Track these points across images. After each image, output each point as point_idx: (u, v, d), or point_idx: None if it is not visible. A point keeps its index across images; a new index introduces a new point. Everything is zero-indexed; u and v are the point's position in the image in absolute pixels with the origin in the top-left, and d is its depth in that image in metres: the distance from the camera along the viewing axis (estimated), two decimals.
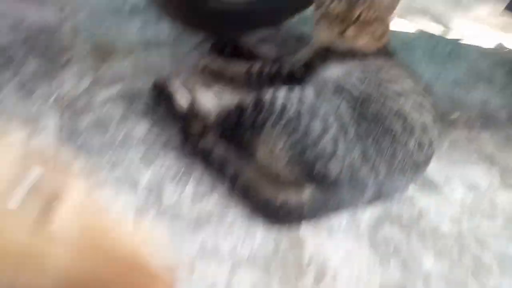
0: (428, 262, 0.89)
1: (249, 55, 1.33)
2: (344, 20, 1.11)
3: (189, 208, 0.89)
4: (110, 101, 1.11)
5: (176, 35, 1.43)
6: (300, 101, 0.94)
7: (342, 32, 1.11)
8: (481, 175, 1.13)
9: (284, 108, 0.92)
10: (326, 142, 0.86)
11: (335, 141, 0.87)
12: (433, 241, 0.93)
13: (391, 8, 1.17)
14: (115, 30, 1.39)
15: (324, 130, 0.88)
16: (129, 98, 1.13)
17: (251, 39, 1.45)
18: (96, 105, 1.09)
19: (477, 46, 1.87)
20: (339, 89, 0.99)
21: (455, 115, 1.35)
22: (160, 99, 1.08)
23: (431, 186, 1.07)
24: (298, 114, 0.90)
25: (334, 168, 0.85)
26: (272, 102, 0.93)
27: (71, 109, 1.06)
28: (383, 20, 1.15)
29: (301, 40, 1.59)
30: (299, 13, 1.61)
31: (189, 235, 0.85)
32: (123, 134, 1.02)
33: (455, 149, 1.21)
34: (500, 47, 1.90)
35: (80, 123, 1.03)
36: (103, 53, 1.27)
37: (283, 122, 0.90)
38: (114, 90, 1.15)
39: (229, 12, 1.38)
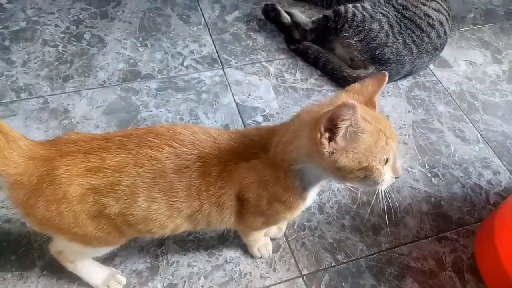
0: (440, 107, 1.45)
1: None
2: None
3: (301, 85, 1.46)
4: (235, 22, 1.62)
5: None
6: (363, 11, 1.43)
7: None
8: (478, 55, 1.64)
9: (354, 15, 1.42)
10: (382, 36, 1.38)
11: (387, 35, 1.38)
12: (444, 96, 1.48)
13: None
14: None
15: (380, 28, 1.39)
16: (247, 19, 1.64)
17: None
18: (228, 26, 1.61)
19: None
20: (387, 0, 1.47)
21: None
22: (270, 16, 1.58)
23: (444, 64, 1.59)
24: (363, 19, 1.41)
25: (387, 52, 1.38)
26: (346, 12, 1.43)
27: (215, 29, 1.59)
28: None
29: None
30: None
31: (303, 100, 1.42)
32: (250, 44, 1.56)
33: (462, 38, 1.69)
34: None
35: (224, 38, 1.56)
36: None
37: (354, 25, 1.41)
38: (235, 14, 1.65)
39: None
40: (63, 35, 1.48)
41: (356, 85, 0.75)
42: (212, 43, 1.54)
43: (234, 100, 1.38)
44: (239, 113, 1.34)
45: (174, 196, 0.74)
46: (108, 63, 1.42)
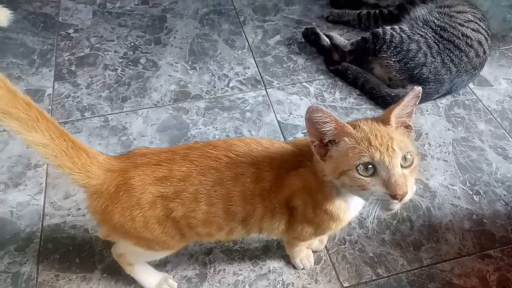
0: (481, 125, 1.43)
1: (357, 3, 1.82)
2: None
3: (340, 104, 1.49)
4: (277, 46, 1.70)
5: None
6: (402, 32, 1.46)
7: None
8: None
9: (392, 37, 1.45)
10: (420, 56, 1.40)
11: (425, 55, 1.40)
12: (484, 114, 1.46)
13: None
14: None
15: (418, 49, 1.41)
16: (288, 42, 1.71)
17: None
18: (270, 49, 1.68)
19: None
20: (425, 22, 1.49)
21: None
22: (310, 39, 1.64)
23: (484, 82, 1.57)
24: (401, 41, 1.43)
25: (425, 71, 1.39)
26: (384, 34, 1.46)
27: (258, 52, 1.67)
28: None
29: None
30: None
31: (342, 118, 1.45)
32: (291, 66, 1.62)
33: (503, 57, 1.67)
34: None
35: (267, 60, 1.64)
36: (261, 13, 1.84)
37: (392, 46, 1.43)
38: (277, 38, 1.73)
39: None
40: (121, 59, 1.61)
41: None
42: (255, 65, 1.61)
43: (276, 118, 1.43)
44: (281, 131, 1.40)
45: (230, 201, 0.80)
46: (161, 85, 1.53)
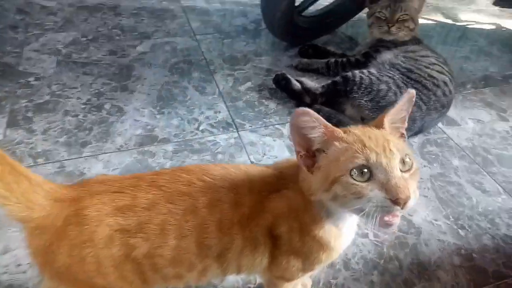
0: (455, 161, 1.43)
1: (324, 53, 1.90)
2: (389, 22, 1.66)
3: None
4: (248, 92, 1.70)
5: (272, 46, 2.02)
6: (370, 75, 1.49)
7: (388, 30, 1.66)
8: (484, 114, 1.66)
9: (361, 79, 1.48)
10: (391, 95, 1.42)
11: (395, 94, 1.42)
12: (457, 151, 1.47)
13: (419, 10, 1.72)
14: (232, 47, 1.98)
15: (388, 89, 1.44)
16: (259, 88, 1.72)
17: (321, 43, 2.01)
18: (241, 94, 1.68)
19: (480, 29, 2.36)
20: (392, 66, 1.54)
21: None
22: (281, 84, 1.65)
23: (452, 122, 1.61)
24: (371, 82, 1.46)
25: None
26: (354, 77, 1.49)
27: (229, 98, 1.65)
28: (414, 19, 1.69)
29: (351, 39, 2.15)
30: (347, 21, 2.17)
31: None
32: (263, 109, 1.61)
33: (466, 100, 1.74)
34: (497, 27, 2.39)
35: (238, 105, 1.62)
36: (231, 63, 1.87)
37: (362, 87, 1.46)
38: (248, 84, 1.74)
39: (308, 25, 1.95)
40: (84, 105, 1.54)
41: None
42: (226, 110, 1.58)
43: (249, 159, 1.37)
44: None
45: (205, 232, 0.70)
46: (126, 129, 1.45)
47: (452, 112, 1.62)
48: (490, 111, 1.68)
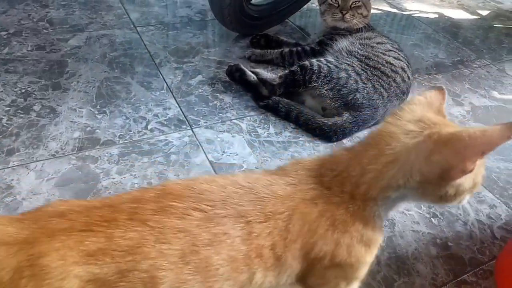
0: None
1: (277, 43, 1.81)
2: (342, 9, 1.61)
3: (276, 138, 1.37)
4: (199, 86, 1.56)
5: (221, 37, 1.90)
6: (328, 63, 1.43)
7: (342, 17, 1.61)
8: None
9: (319, 68, 1.41)
10: (351, 83, 1.36)
11: (356, 82, 1.37)
12: None
13: None
14: (177, 39, 1.83)
15: (348, 76, 1.38)
16: (211, 82, 1.59)
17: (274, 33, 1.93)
18: (193, 89, 1.54)
19: (425, 18, 2.41)
20: (349, 53, 1.49)
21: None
22: (235, 76, 1.54)
23: None
24: (330, 70, 1.39)
25: (359, 97, 1.35)
26: (311, 65, 1.42)
27: (179, 93, 1.51)
28: (366, 5, 1.66)
29: (302, 29, 2.09)
30: (298, 10, 2.10)
31: (281, 152, 1.32)
32: (218, 104, 1.48)
33: (421, 86, 1.74)
34: (440, 16, 2.45)
35: (190, 100, 1.48)
36: (178, 56, 1.72)
37: (322, 76, 1.39)
38: (199, 78, 1.60)
39: (258, 14, 1.85)
40: (8, 108, 1.32)
41: (420, 98, 0.67)
42: (177, 106, 1.44)
43: (208, 158, 1.25)
44: (215, 172, 1.21)
45: (212, 275, 0.55)
46: (61, 132, 1.26)
47: (409, 98, 1.61)
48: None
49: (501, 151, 1.42)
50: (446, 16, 2.46)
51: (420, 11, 2.47)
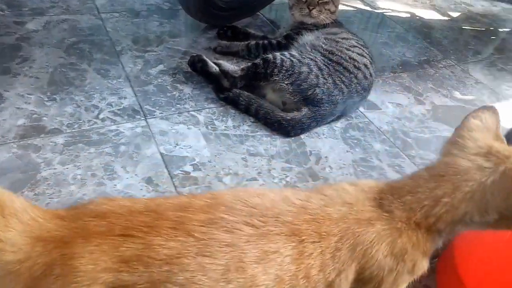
0: (377, 145, 1.39)
1: (244, 35, 1.77)
2: (310, 4, 1.58)
3: (233, 131, 1.33)
4: (160, 75, 1.51)
5: (189, 27, 1.85)
6: (291, 57, 1.40)
7: (309, 12, 1.58)
8: (402, 98, 1.66)
9: (282, 61, 1.37)
10: (312, 78, 1.34)
11: (317, 77, 1.34)
12: (378, 135, 1.44)
13: None
14: (143, 27, 1.77)
15: (310, 71, 1.35)
16: (172, 72, 1.54)
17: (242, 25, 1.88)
18: (152, 78, 1.48)
19: (397, 16, 2.40)
20: (313, 47, 1.46)
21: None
22: (196, 67, 1.49)
23: (373, 106, 1.58)
24: (292, 64, 1.36)
25: (319, 92, 1.33)
26: (275, 59, 1.38)
27: (137, 82, 1.45)
28: (334, 1, 1.63)
29: (273, 23, 2.05)
30: (269, 3, 2.06)
31: (237, 146, 1.29)
32: (177, 94, 1.43)
33: (385, 84, 1.73)
34: (412, 15, 2.45)
35: (147, 89, 1.43)
36: (141, 44, 1.66)
37: (283, 70, 1.35)
38: (160, 67, 1.55)
39: (227, 5, 1.80)
40: None
41: (477, 123, 0.66)
42: (134, 95, 1.39)
43: (159, 150, 1.20)
44: (165, 164, 1.16)
45: None
46: (5, 119, 1.19)
47: (372, 96, 1.60)
48: (408, 95, 1.69)
49: None
50: (417, 16, 2.46)
51: (393, 10, 2.47)
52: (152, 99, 1.39)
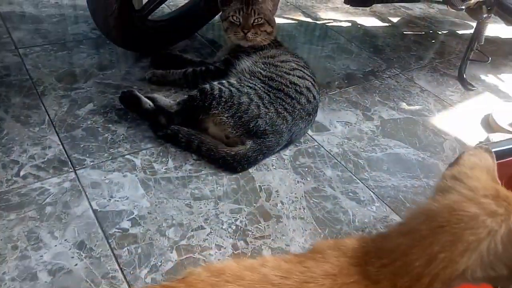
0: (328, 172, 1.35)
1: (181, 62, 1.68)
2: (244, 27, 1.53)
3: (175, 174, 1.24)
4: (89, 116, 1.39)
5: (120, 57, 1.73)
6: (230, 86, 1.33)
7: (245, 36, 1.53)
8: (350, 115, 1.65)
9: (220, 91, 1.30)
10: (253, 109, 1.28)
11: (258, 107, 1.28)
12: (329, 160, 1.41)
13: (273, 11, 1.62)
14: (68, 61, 1.64)
15: (250, 101, 1.29)
16: (104, 110, 1.42)
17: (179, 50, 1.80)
18: (80, 120, 1.36)
19: (339, 26, 2.41)
20: (252, 74, 1.41)
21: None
22: (129, 104, 1.39)
23: (321, 127, 1.55)
24: (231, 95, 1.30)
25: (261, 124, 1.27)
26: (212, 90, 1.31)
27: (63, 127, 1.32)
28: (270, 21, 1.59)
29: (214, 43, 1.99)
30: (203, 25, 1.99)
31: (180, 191, 1.20)
32: (109, 137, 1.32)
33: (332, 101, 1.71)
34: (353, 24, 2.47)
35: (75, 135, 1.30)
36: (67, 81, 1.53)
37: (222, 101, 1.29)
38: (89, 107, 1.43)
39: (156, 30, 1.71)
40: None
41: (475, 161, 0.62)
42: (59, 143, 1.26)
43: (91, 207, 1.09)
44: (99, 223, 1.05)
45: None
46: None
47: (320, 117, 1.57)
48: (356, 111, 1.68)
49: (409, 167, 1.42)
50: (359, 24, 2.49)
51: (335, 20, 2.48)
52: (81, 145, 1.27)
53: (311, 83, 1.44)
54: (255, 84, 1.36)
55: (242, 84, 1.35)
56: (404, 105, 1.77)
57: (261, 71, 1.42)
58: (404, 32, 2.49)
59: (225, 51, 1.64)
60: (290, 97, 1.35)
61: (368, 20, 2.56)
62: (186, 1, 1.92)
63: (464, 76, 2.03)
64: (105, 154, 1.26)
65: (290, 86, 1.37)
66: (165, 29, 1.75)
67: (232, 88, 1.33)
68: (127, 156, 1.27)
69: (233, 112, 1.28)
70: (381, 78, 1.95)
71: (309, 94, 1.40)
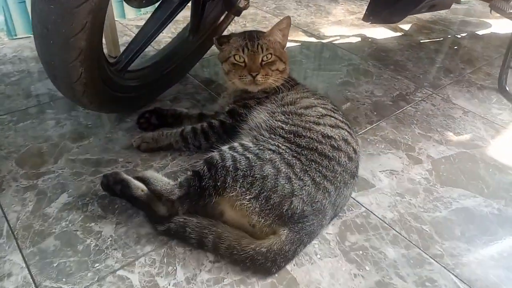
0: (390, 251, 1.02)
1: (175, 118, 1.34)
2: (251, 69, 1.20)
3: (187, 287, 0.90)
4: (63, 214, 1.04)
5: (99, 119, 1.39)
6: (245, 152, 0.99)
7: (254, 80, 1.20)
8: (393, 159, 1.32)
9: (234, 161, 0.96)
10: (283, 183, 0.93)
11: (289, 179, 0.94)
12: (384, 231, 1.07)
13: (283, 42, 1.29)
14: (32, 134, 1.29)
15: (277, 172, 0.95)
16: (82, 202, 1.07)
17: (169, 103, 1.46)
18: (51, 223, 1.01)
19: (348, 43, 2.10)
20: (271, 131, 1.07)
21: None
22: (115, 191, 1.04)
23: (363, 184, 1.21)
24: (249, 165, 0.95)
25: (297, 204, 0.93)
26: (223, 160, 0.97)
27: (28, 238, 0.97)
28: (281, 56, 1.26)
29: (210, 82, 1.65)
30: (194, 64, 1.66)
31: None
32: (93, 243, 0.97)
33: (367, 144, 1.38)
34: (363, 38, 2.16)
35: (45, 248, 0.95)
36: (31, 164, 1.18)
37: (239, 176, 0.94)
38: (63, 199, 1.08)
39: (139, 80, 1.36)
40: None
41: None
42: (23, 264, 0.91)
43: None
44: None
45: None
46: None
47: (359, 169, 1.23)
48: (398, 152, 1.35)
49: (486, 226, 1.09)
50: (369, 37, 2.18)
51: (341, 36, 2.17)
52: (54, 265, 0.92)
53: (347, 131, 1.11)
54: (278, 145, 1.02)
55: (261, 147, 1.01)
56: (451, 135, 1.45)
57: (283, 125, 1.08)
58: (421, 41, 2.19)
59: (229, 98, 1.31)
60: (327, 158, 1.01)
61: (377, 32, 2.25)
62: (172, 38, 1.59)
63: (507, 88, 1.73)
64: (89, 274, 0.90)
65: (323, 141, 1.03)
66: (151, 77, 1.41)
67: (249, 155, 0.99)
68: (119, 272, 0.92)
69: (257, 192, 0.94)
70: (414, 102, 1.63)
71: (348, 149, 1.06)
